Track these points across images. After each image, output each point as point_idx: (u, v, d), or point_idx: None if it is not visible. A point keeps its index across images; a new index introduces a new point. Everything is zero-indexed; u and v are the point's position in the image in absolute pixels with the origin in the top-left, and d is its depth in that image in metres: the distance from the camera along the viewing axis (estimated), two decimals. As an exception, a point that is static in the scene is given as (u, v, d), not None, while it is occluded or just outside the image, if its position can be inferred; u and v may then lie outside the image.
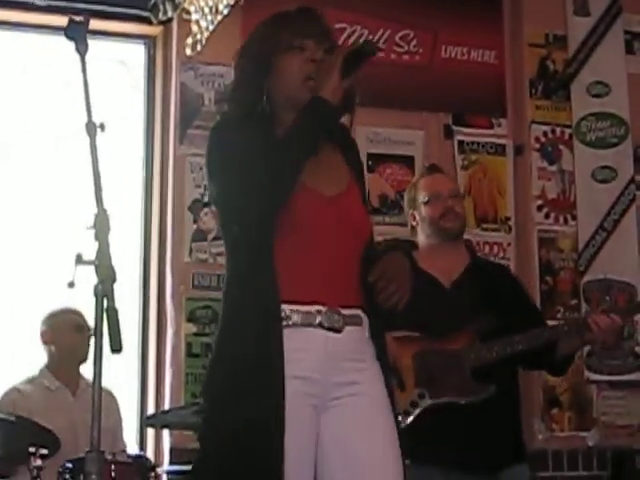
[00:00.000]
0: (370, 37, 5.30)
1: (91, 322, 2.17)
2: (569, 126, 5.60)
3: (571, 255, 5.48)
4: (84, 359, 4.44)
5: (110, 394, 4.44)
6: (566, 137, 5.60)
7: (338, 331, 2.40)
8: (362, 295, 2.48)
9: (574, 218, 5.52)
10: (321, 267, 2.41)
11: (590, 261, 5.47)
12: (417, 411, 3.44)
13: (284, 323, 2.36)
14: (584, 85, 5.62)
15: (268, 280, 2.37)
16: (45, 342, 4.47)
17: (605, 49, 5.66)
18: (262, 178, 2.34)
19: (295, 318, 2.37)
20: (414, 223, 3.77)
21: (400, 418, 3.38)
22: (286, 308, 2.37)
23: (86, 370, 4.45)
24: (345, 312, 2.42)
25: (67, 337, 4.43)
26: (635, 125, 5.62)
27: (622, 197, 5.55)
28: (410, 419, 3.43)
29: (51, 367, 4.48)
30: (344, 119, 2.58)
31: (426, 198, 3.71)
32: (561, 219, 5.52)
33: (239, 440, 2.32)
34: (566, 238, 5.52)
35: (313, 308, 2.39)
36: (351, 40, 5.18)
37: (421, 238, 3.73)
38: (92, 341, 4.47)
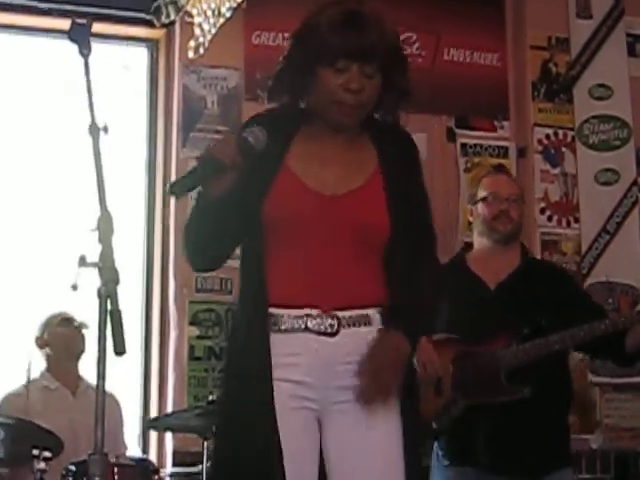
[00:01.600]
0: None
1: (93, 324, 2.17)
2: (572, 129, 5.60)
3: (574, 258, 5.48)
4: (79, 353, 4.47)
5: (111, 396, 4.44)
6: (569, 140, 5.59)
7: (332, 335, 2.35)
8: (382, 293, 2.40)
9: (577, 221, 5.52)
10: (314, 270, 2.36)
11: (593, 264, 5.47)
12: (449, 415, 3.44)
13: (274, 328, 2.34)
14: (587, 88, 5.62)
15: (256, 285, 2.36)
16: (40, 346, 4.51)
17: (607, 52, 5.66)
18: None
19: (285, 323, 2.34)
20: (471, 219, 3.77)
21: (434, 422, 3.44)
22: (276, 312, 2.35)
23: (89, 373, 4.46)
24: (344, 314, 2.36)
25: (57, 332, 4.48)
26: (638, 127, 5.62)
27: (625, 199, 5.55)
28: (442, 423, 3.44)
29: (50, 368, 4.51)
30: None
31: (483, 196, 3.70)
32: (564, 222, 5.52)
33: (234, 449, 2.32)
34: (569, 241, 5.51)
35: (303, 312, 2.35)
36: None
37: (474, 235, 3.72)
38: (85, 334, 4.56)
